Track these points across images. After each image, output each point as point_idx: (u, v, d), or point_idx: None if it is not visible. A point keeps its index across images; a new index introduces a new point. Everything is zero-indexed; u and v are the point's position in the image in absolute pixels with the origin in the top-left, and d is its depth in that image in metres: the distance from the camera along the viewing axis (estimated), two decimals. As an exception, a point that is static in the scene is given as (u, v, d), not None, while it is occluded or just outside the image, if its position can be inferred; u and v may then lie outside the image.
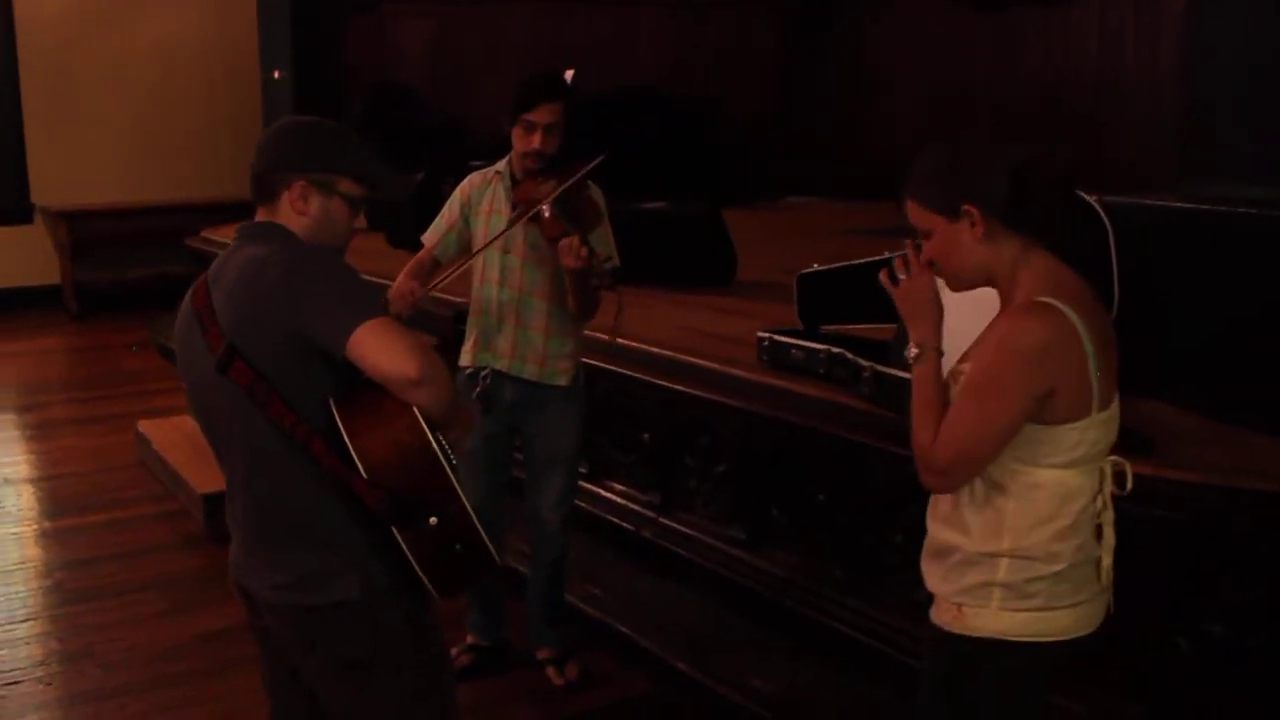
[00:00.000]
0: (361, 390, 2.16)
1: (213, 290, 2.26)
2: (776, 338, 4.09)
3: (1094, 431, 2.09)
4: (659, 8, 10.85)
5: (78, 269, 9.62)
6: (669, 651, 3.86)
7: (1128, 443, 3.08)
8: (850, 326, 4.16)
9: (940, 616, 2.23)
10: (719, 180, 9.77)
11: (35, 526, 5.38)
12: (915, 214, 2.17)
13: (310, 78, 8.61)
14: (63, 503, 5.68)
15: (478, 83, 9.37)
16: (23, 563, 4.92)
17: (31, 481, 6.04)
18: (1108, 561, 2.19)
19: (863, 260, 4.11)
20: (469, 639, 3.94)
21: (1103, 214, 3.53)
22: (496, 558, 2.30)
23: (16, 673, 3.95)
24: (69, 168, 9.76)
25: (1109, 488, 2.18)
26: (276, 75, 8.73)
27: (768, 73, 11.20)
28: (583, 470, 4.72)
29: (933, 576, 2.26)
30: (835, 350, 3.82)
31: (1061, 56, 9.24)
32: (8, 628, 4.28)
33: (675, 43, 10.95)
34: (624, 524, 4.52)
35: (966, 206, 2.09)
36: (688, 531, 4.30)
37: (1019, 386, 2.03)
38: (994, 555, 2.13)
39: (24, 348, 8.90)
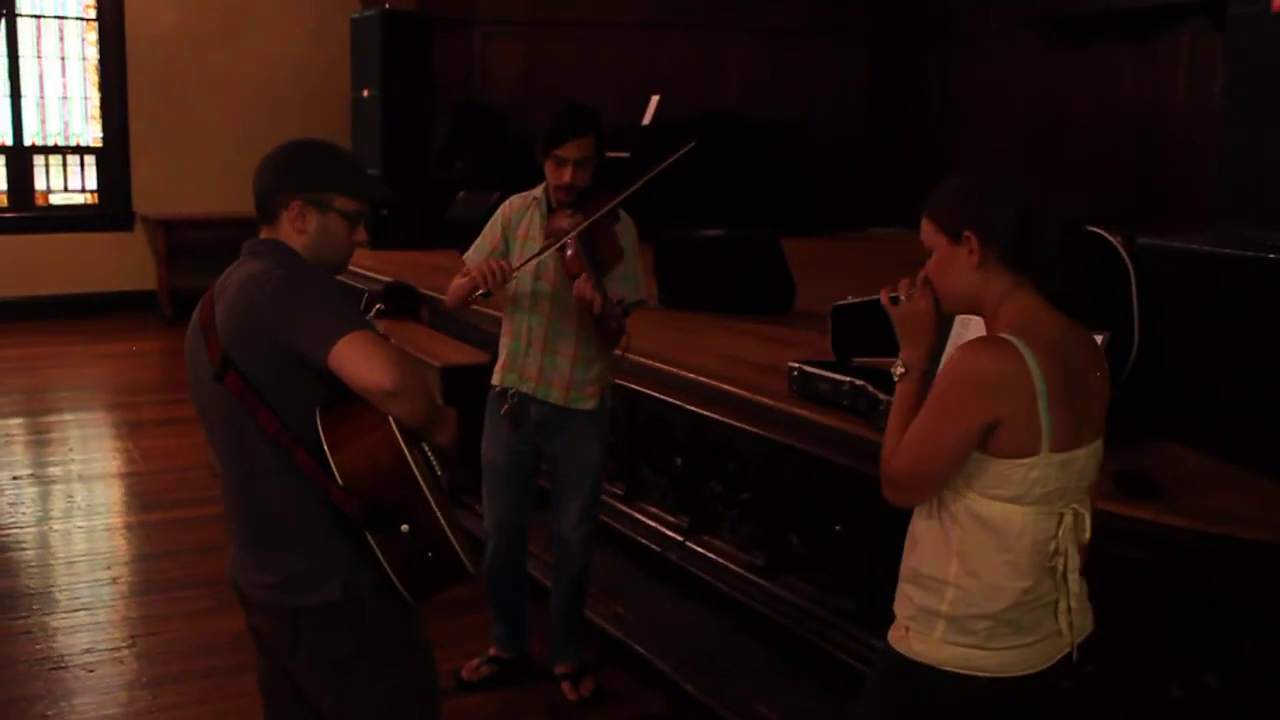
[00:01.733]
0: (345, 402, 2.26)
1: (216, 303, 2.38)
2: (806, 368, 4.13)
3: (1044, 471, 2.09)
4: (747, 33, 10.91)
5: (172, 275, 10.00)
6: (682, 673, 3.91)
7: (1133, 487, 3.10)
8: (882, 359, 4.17)
9: (893, 635, 2.27)
10: (801, 207, 9.79)
11: (103, 521, 5.62)
12: (925, 230, 2.21)
13: (398, 97, 8.84)
14: (132, 500, 5.94)
15: (565, 105, 9.51)
16: (85, 555, 5.15)
17: (107, 478, 6.31)
18: (1073, 605, 2.18)
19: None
20: (491, 651, 4.03)
21: (1125, 255, 3.51)
22: (469, 567, 2.38)
23: (64, 658, 4.14)
24: (169, 178, 10.18)
25: (1071, 534, 2.16)
26: (366, 94, 8.97)
27: (856, 101, 11.18)
28: (618, 491, 4.82)
29: (898, 595, 2.30)
30: (857, 382, 3.85)
31: (1152, 90, 9.09)
32: (60, 616, 4.49)
33: (763, 69, 11.00)
34: (652, 546, 4.58)
35: (967, 232, 2.13)
36: (711, 556, 4.35)
37: (961, 412, 2.07)
38: (941, 582, 2.17)
39: (120, 349, 9.27)
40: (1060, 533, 2.15)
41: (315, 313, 2.26)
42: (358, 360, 2.20)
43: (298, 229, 2.40)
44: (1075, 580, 2.18)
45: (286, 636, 2.44)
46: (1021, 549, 2.12)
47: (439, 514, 2.29)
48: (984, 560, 2.13)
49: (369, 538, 2.27)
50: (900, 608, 2.27)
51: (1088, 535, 2.19)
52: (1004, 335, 2.10)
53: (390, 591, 2.35)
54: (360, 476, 2.24)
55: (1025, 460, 2.08)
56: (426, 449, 2.44)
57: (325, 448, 2.24)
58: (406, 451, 2.24)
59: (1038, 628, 2.18)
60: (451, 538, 2.31)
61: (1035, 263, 2.14)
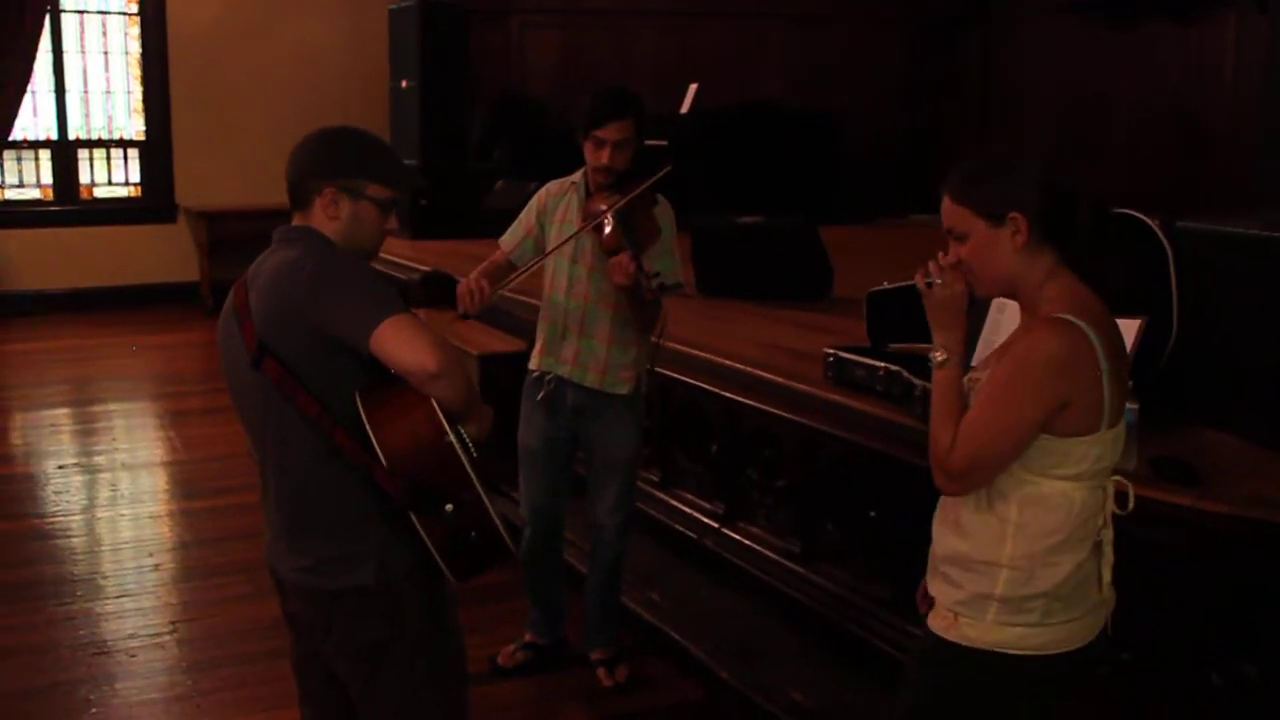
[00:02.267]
0: (385, 385, 2.28)
1: (250, 289, 2.40)
2: (842, 354, 4.10)
3: (1101, 447, 2.13)
4: (786, 21, 10.87)
5: (214, 267, 10.09)
6: (717, 660, 3.91)
7: (1171, 473, 3.06)
8: (917, 345, 4.15)
9: (936, 623, 2.27)
10: (841, 195, 9.75)
11: (146, 509, 5.69)
12: (953, 214, 2.20)
13: (437, 87, 8.86)
14: (175, 488, 6.02)
15: (603, 95, 9.52)
16: (128, 542, 5.22)
17: (151, 467, 6.39)
18: (1108, 577, 2.21)
19: (931, 279, 4.10)
20: (527, 637, 4.05)
21: (1163, 238, 3.46)
22: (511, 546, 2.39)
23: (106, 644, 4.20)
24: (211, 171, 10.27)
25: (1110, 506, 2.21)
26: (404, 85, 9.01)
27: (895, 88, 11.11)
28: (654, 478, 4.82)
29: (934, 582, 2.30)
30: (892, 368, 3.82)
31: (1196, 74, 8.97)
32: (103, 603, 4.55)
33: (802, 57, 10.95)
34: (688, 532, 4.58)
35: (1014, 214, 2.13)
36: (747, 543, 4.34)
37: (1035, 397, 2.08)
38: (993, 564, 2.17)
39: (164, 340, 9.38)
40: (1106, 505, 2.20)
41: (354, 297, 2.28)
42: (401, 343, 2.21)
43: (330, 215, 2.41)
44: (1110, 552, 2.21)
45: (320, 620, 2.46)
46: (1077, 525, 2.15)
47: (482, 492, 2.30)
48: (1041, 540, 2.15)
49: (413, 518, 2.28)
50: (943, 595, 2.26)
51: (1130, 506, 2.23)
52: (1065, 316, 2.11)
53: (424, 577, 2.37)
54: (403, 456, 2.25)
55: (1088, 438, 2.11)
56: (461, 432, 2.45)
57: (367, 428, 2.25)
58: (449, 430, 2.26)
59: (1084, 601, 2.21)
60: (494, 517, 2.32)
61: (1076, 239, 2.16)
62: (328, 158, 2.43)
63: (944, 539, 2.27)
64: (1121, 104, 9.49)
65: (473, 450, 2.45)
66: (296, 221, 2.46)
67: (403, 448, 2.25)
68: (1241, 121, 8.46)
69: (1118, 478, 2.22)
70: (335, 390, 2.29)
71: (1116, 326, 2.20)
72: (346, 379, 2.29)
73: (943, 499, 2.30)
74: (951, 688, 2.27)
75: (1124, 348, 2.21)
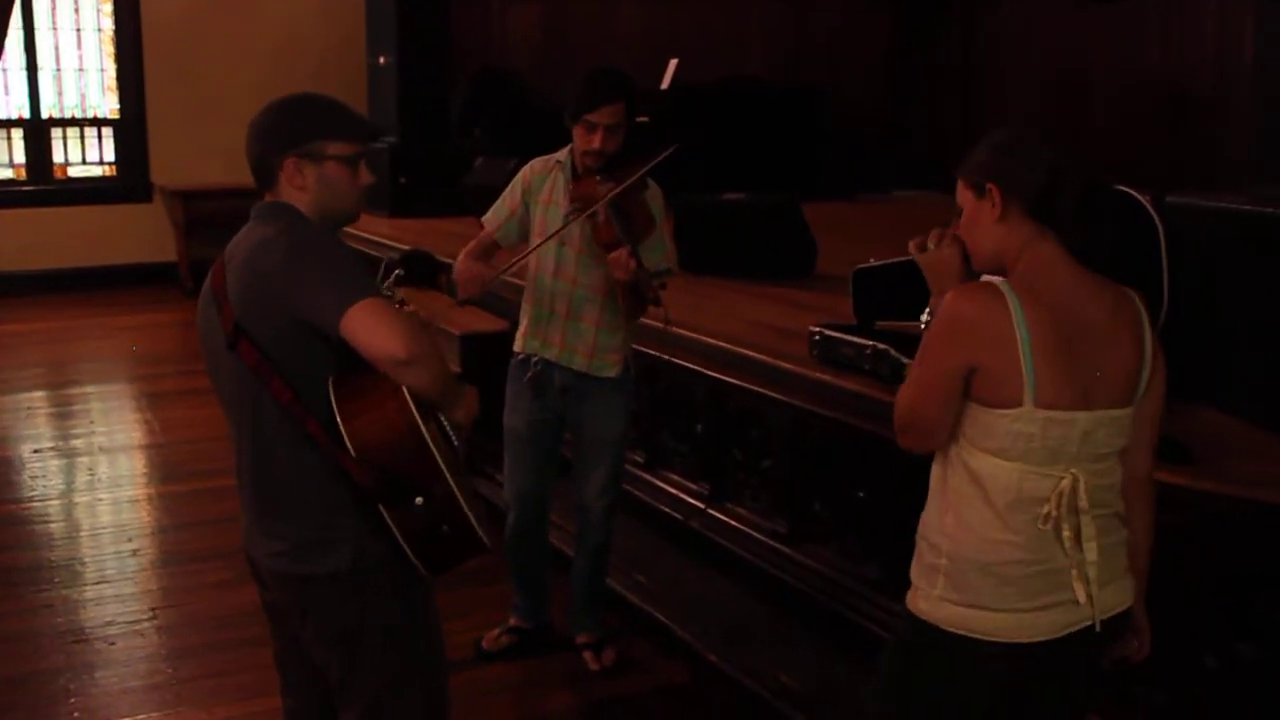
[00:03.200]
0: (359, 372, 2.22)
1: (227, 269, 2.34)
2: (828, 332, 4.06)
3: (1029, 426, 2.05)
4: (768, -3, 10.80)
5: (191, 246, 9.97)
6: (704, 642, 3.88)
7: (1165, 453, 3.02)
8: (904, 323, 4.11)
9: (908, 595, 2.27)
10: (824, 171, 9.69)
11: (124, 494, 5.62)
12: (959, 190, 2.22)
13: (415, 63, 8.76)
14: (154, 471, 5.94)
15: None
16: (106, 527, 5.15)
17: (129, 450, 6.31)
18: (1091, 575, 2.13)
19: (918, 256, 4.06)
20: (511, 621, 4.00)
21: (1154, 214, 3.42)
22: (485, 540, 2.34)
23: (84, 631, 4.14)
24: (186, 149, 10.11)
25: (1070, 499, 2.09)
26: (382, 61, 8.90)
27: (878, 64, 11.07)
28: (639, 459, 4.77)
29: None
30: (880, 346, 3.78)
31: (1178, 51, 8.94)
32: (80, 589, 4.49)
33: (785, 33, 10.88)
34: (674, 513, 4.55)
35: (989, 185, 2.13)
36: (733, 523, 4.31)
37: (940, 354, 2.11)
38: (940, 534, 2.17)
39: (140, 321, 9.27)
40: (1055, 496, 2.08)
41: (326, 280, 2.22)
42: (370, 328, 2.16)
43: (297, 186, 2.35)
44: (1093, 549, 2.12)
45: (295, 605, 2.43)
46: (1005, 505, 2.11)
47: (455, 487, 2.25)
48: (972, 511, 2.13)
49: (382, 510, 2.23)
50: (911, 567, 2.27)
51: (1083, 504, 2.10)
52: (988, 280, 2.12)
53: (401, 566, 2.32)
54: (373, 447, 2.20)
55: (1008, 411, 2.07)
56: (444, 422, 2.40)
57: (337, 417, 2.20)
58: (421, 423, 2.20)
59: (1044, 594, 2.12)
60: (468, 511, 2.27)
61: (1059, 215, 2.13)
62: (280, 129, 2.37)
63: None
64: (1103, 80, 9.46)
65: (453, 438, 2.40)
66: (269, 199, 2.40)
67: (373, 439, 2.20)
68: (1221, 98, 8.45)
69: (1076, 472, 2.09)
70: (309, 376, 2.25)
71: (1094, 310, 2.11)
72: (320, 365, 2.25)
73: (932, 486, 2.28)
74: (910, 663, 2.27)
75: (1096, 332, 2.09)
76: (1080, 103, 9.56)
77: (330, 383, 2.23)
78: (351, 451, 2.20)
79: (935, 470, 2.23)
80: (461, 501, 2.26)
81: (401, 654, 2.43)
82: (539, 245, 3.64)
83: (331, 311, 2.18)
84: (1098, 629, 2.17)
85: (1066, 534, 2.10)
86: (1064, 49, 9.75)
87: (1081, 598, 2.13)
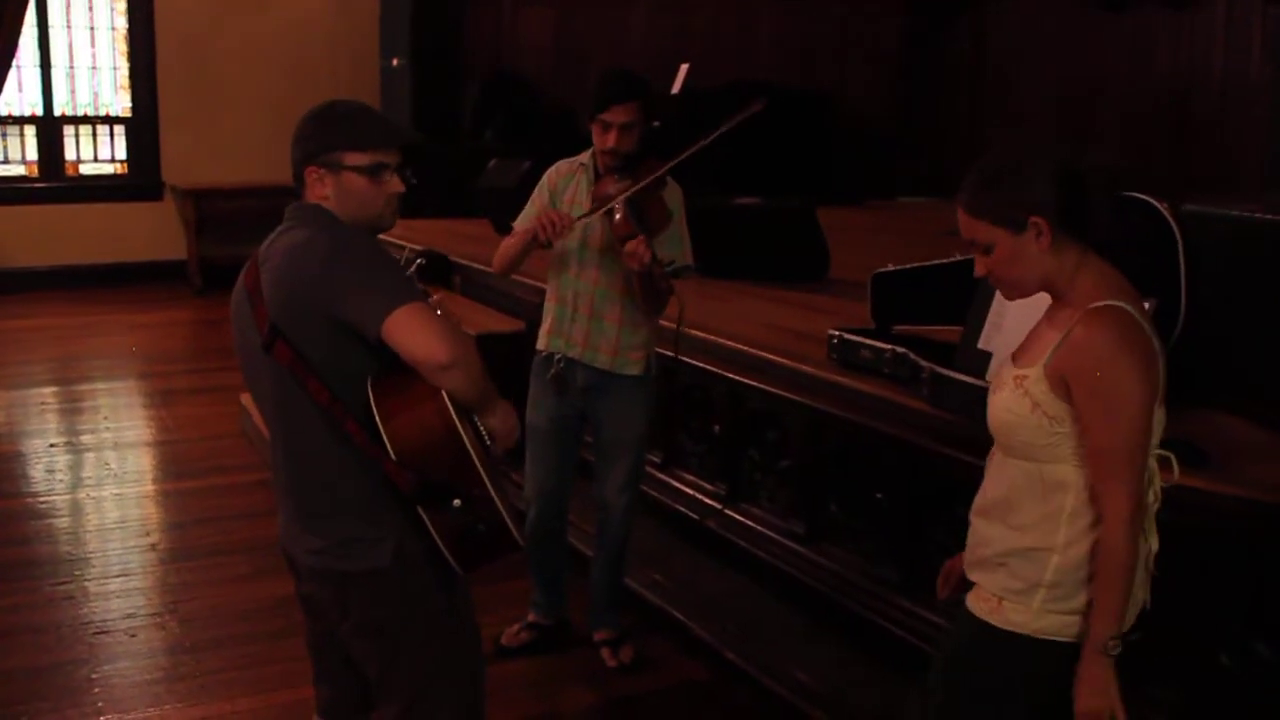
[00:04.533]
0: (397, 373, 2.25)
1: (261, 270, 2.37)
2: (847, 336, 4.10)
3: (1158, 425, 2.16)
4: (779, 2, 10.83)
5: (202, 245, 10.02)
6: (721, 640, 3.91)
7: (1181, 456, 3.06)
8: (922, 328, 4.15)
9: (977, 605, 2.26)
10: (832, 176, 9.73)
11: (139, 489, 5.66)
12: (972, 227, 2.17)
13: (428, 66, 8.83)
14: (168, 467, 5.97)
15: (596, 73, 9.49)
16: (122, 522, 5.18)
17: (142, 446, 6.34)
18: (1154, 554, 2.22)
19: (936, 261, 4.11)
20: (530, 617, 4.04)
21: (1172, 221, 3.46)
22: (519, 538, 2.38)
23: (106, 623, 4.18)
24: (198, 148, 10.19)
25: (1158, 483, 2.21)
26: (395, 63, 8.96)
27: (888, 68, 11.11)
28: (656, 459, 4.81)
29: (976, 566, 2.29)
30: (899, 350, 3.82)
31: (1188, 58, 8.99)
32: (101, 582, 4.52)
33: (795, 38, 10.92)
34: (691, 514, 4.58)
35: (1034, 219, 2.11)
36: (750, 524, 4.35)
37: (1145, 385, 2.09)
38: (1046, 551, 2.16)
39: (151, 319, 9.32)
40: (1153, 491, 2.19)
41: (365, 284, 2.25)
42: (412, 333, 2.19)
43: (320, 195, 2.38)
44: (1155, 537, 2.21)
45: (335, 601, 2.45)
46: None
47: (491, 488, 2.28)
48: (1096, 527, 2.14)
49: (420, 511, 2.27)
50: (990, 582, 2.24)
51: (1176, 474, 2.24)
52: (1117, 304, 2.10)
53: (440, 562, 2.35)
54: (412, 448, 2.23)
55: (1156, 417, 2.14)
56: (479, 425, 2.43)
57: (376, 418, 2.23)
58: (460, 425, 2.23)
59: (1139, 580, 2.19)
60: (503, 512, 2.30)
61: (1093, 223, 2.14)
62: (302, 140, 2.40)
63: (989, 526, 2.25)
64: (1111, 89, 9.50)
65: (486, 440, 2.43)
66: (303, 201, 2.43)
67: (411, 439, 2.23)
68: (1229, 110, 8.49)
69: (1160, 451, 2.20)
70: (346, 377, 2.27)
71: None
72: (358, 365, 2.27)
73: (985, 488, 2.29)
74: (990, 671, 2.26)
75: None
76: (1089, 110, 9.60)
77: (369, 383, 2.26)
78: (392, 455, 2.22)
79: (1028, 493, 2.19)
80: (498, 503, 2.29)
81: (440, 648, 2.46)
82: (592, 214, 3.63)
83: (373, 315, 2.20)
84: (1148, 606, 2.27)
85: (1147, 524, 2.19)
86: (1073, 56, 9.80)
87: (1146, 590, 2.22)
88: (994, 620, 2.21)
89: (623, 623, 4.02)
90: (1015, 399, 2.17)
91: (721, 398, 4.51)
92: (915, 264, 4.23)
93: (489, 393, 2.36)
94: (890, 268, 4.31)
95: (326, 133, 2.39)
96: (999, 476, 2.25)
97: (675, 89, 9.56)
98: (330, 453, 2.33)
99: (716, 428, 4.54)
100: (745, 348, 4.48)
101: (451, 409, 2.23)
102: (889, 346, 3.89)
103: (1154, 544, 2.20)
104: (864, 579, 3.85)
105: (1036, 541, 2.17)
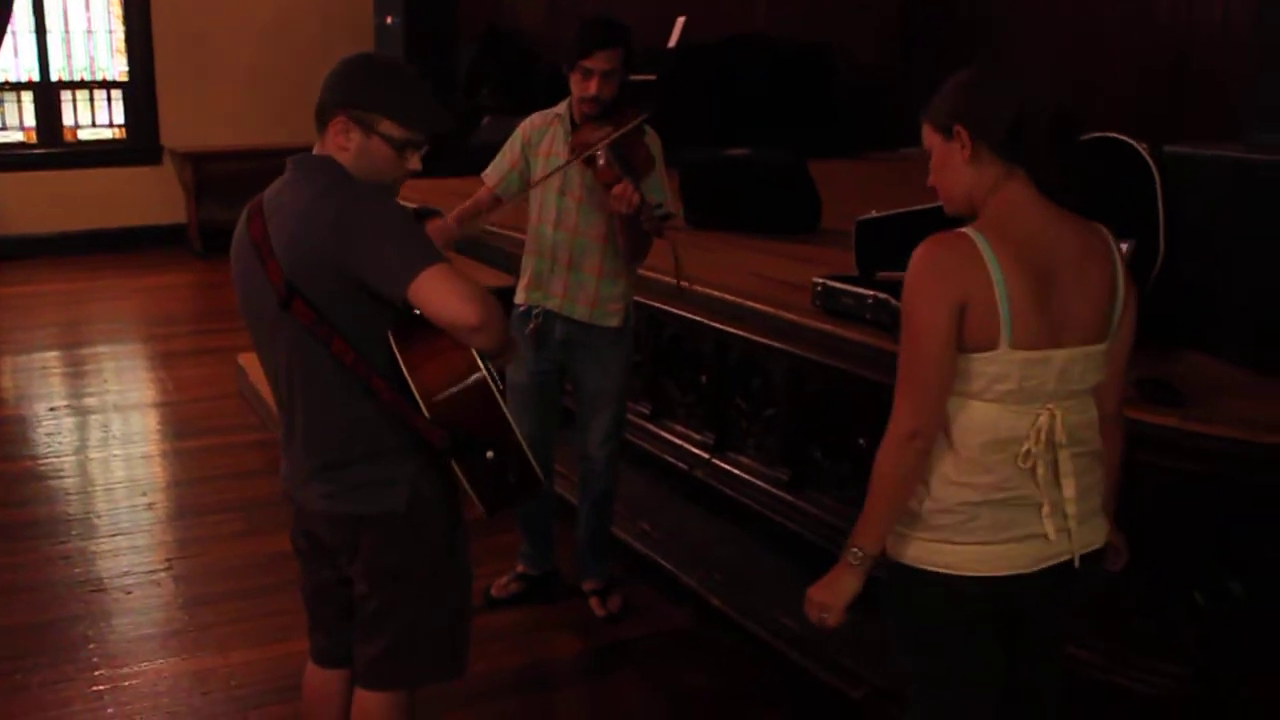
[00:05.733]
0: (419, 325, 2.24)
1: (269, 220, 2.32)
2: (830, 283, 4.11)
3: (1005, 368, 2.04)
4: (775, -46, 10.74)
5: (202, 208, 10.02)
6: (707, 587, 3.95)
7: (1156, 394, 3.08)
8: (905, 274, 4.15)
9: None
10: (832, 129, 9.69)
11: (138, 449, 5.70)
12: (925, 133, 2.17)
13: (422, 23, 8.79)
14: (166, 428, 6.02)
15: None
16: (121, 482, 5.23)
17: (142, 408, 6.39)
18: (1068, 511, 2.12)
19: (919, 207, 4.10)
20: (519, 568, 4.08)
21: (1151, 162, 3.46)
22: (544, 482, 2.42)
23: (102, 581, 4.23)
24: (195, 111, 10.17)
25: (1048, 435, 2.09)
26: (389, 21, 8.92)
27: (888, 21, 11.01)
28: (645, 411, 4.84)
29: None
30: (880, 296, 3.83)
31: (1188, 10, 8.90)
32: (98, 541, 4.57)
33: (792, -10, 10.83)
34: (679, 463, 4.61)
35: (957, 126, 2.09)
36: (736, 472, 4.38)
37: (928, 302, 2.03)
38: (925, 482, 2.13)
39: (152, 283, 9.35)
40: (1034, 433, 2.07)
41: (388, 245, 2.22)
42: (441, 295, 2.17)
43: (339, 145, 2.33)
44: (1070, 486, 2.11)
45: (346, 544, 2.46)
46: (981, 445, 2.08)
47: (518, 434, 2.29)
48: (947, 453, 2.11)
49: (454, 465, 2.27)
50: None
51: (1062, 439, 2.09)
52: (960, 230, 2.07)
53: (450, 506, 2.39)
54: (443, 401, 2.23)
55: (983, 354, 2.04)
56: (492, 370, 2.42)
57: (403, 369, 2.22)
58: (489, 376, 2.24)
59: (1013, 526, 2.11)
60: (531, 458, 2.32)
61: (1029, 155, 2.07)
62: (347, 84, 2.34)
63: None
64: (1113, 37, 9.41)
65: (501, 385, 2.42)
66: (316, 149, 2.38)
67: (441, 392, 2.23)
68: (1230, 60, 8.40)
69: (1053, 407, 2.09)
70: (367, 333, 2.26)
71: (1067, 248, 2.09)
72: (377, 320, 2.26)
73: None
74: (897, 607, 2.25)
75: (1072, 270, 2.08)
76: (1092, 59, 9.52)
77: (391, 337, 2.25)
78: (425, 411, 2.22)
79: None
80: (526, 449, 2.31)
81: (439, 592, 2.49)
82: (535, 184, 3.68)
83: (399, 278, 2.18)
84: (1077, 564, 2.17)
85: (1041, 471, 2.09)
86: (1075, 4, 9.70)
87: (1052, 534, 2.12)
88: (892, 554, 2.21)
89: (611, 572, 4.06)
90: None
91: (708, 347, 4.53)
92: (899, 210, 4.22)
93: (511, 344, 2.35)
94: (874, 214, 4.31)
95: (373, 90, 2.34)
96: None
97: (672, 42, 9.52)
98: (350, 407, 2.33)
99: (704, 378, 4.57)
100: (730, 296, 4.48)
101: (480, 360, 2.24)
102: (870, 293, 3.89)
103: (1052, 499, 2.11)
104: (847, 524, 3.82)
105: (926, 472, 2.15)
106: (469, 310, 2.16)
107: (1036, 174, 2.09)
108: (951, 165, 2.12)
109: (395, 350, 2.24)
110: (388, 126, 2.33)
